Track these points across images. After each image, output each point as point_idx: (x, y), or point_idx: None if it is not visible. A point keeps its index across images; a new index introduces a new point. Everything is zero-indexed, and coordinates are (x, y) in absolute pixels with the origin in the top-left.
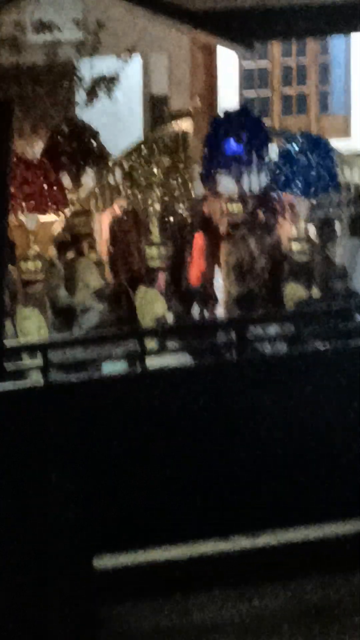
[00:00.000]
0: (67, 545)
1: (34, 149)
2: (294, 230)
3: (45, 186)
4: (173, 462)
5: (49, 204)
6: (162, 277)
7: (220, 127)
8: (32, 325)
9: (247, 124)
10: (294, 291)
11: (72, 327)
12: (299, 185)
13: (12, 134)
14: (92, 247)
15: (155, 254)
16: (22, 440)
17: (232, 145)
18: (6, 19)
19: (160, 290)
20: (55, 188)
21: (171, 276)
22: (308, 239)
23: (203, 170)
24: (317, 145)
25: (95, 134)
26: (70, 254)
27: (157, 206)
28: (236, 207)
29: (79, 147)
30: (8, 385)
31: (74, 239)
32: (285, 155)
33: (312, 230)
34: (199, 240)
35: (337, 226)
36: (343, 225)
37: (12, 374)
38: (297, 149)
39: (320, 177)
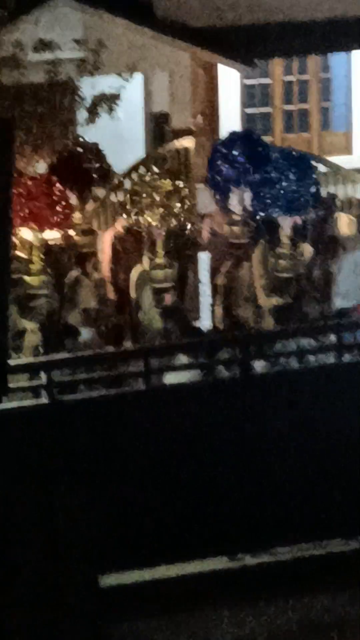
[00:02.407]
0: (73, 563)
1: (36, 168)
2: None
3: (49, 203)
4: (178, 480)
5: (53, 221)
6: (168, 298)
7: (222, 148)
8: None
9: (248, 145)
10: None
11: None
12: (278, 203)
13: (14, 152)
14: (95, 267)
15: (161, 276)
16: (27, 458)
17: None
18: (6, 38)
19: None
20: (59, 206)
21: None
22: (292, 256)
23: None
24: (297, 161)
25: (100, 153)
26: (73, 273)
27: (163, 227)
28: (237, 230)
29: (84, 166)
30: (13, 403)
31: (79, 258)
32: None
33: (309, 249)
34: None
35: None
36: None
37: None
38: (279, 165)
39: (299, 194)
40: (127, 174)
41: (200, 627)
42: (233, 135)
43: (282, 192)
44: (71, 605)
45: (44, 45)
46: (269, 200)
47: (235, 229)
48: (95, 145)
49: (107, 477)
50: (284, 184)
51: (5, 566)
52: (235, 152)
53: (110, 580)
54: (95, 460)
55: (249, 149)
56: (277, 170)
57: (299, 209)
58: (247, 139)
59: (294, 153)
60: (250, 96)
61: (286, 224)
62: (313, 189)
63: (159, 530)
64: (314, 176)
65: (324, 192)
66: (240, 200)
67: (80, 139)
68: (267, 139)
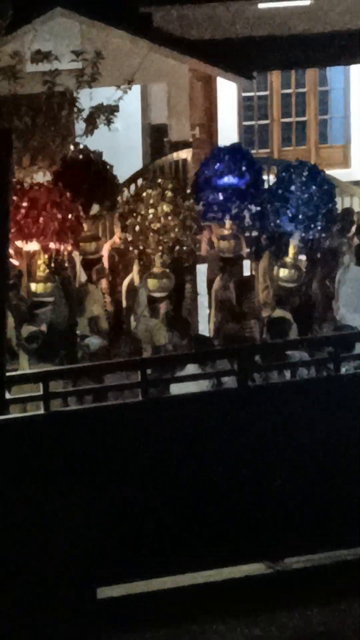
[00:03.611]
0: (71, 575)
1: (34, 180)
2: (284, 257)
3: (60, 215)
4: (176, 490)
5: (64, 233)
6: (162, 308)
7: (213, 164)
8: None
9: (241, 159)
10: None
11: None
12: (297, 217)
13: (12, 164)
14: (100, 275)
15: (157, 285)
16: (24, 469)
17: (224, 180)
18: (4, 49)
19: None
20: (70, 216)
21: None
22: (295, 266)
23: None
24: (316, 176)
25: (106, 164)
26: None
27: (160, 238)
28: (226, 244)
29: (90, 176)
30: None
31: (84, 266)
32: (282, 185)
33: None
34: None
35: (346, 256)
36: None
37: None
38: (296, 179)
39: (318, 209)
40: (125, 186)
41: (200, 638)
42: (219, 151)
43: (298, 207)
44: (69, 618)
45: (41, 56)
46: (283, 215)
47: (224, 243)
48: (100, 154)
49: (104, 489)
50: (301, 198)
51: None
52: (223, 171)
53: (108, 592)
54: (93, 472)
55: (238, 166)
56: (294, 184)
57: (314, 225)
58: (235, 155)
59: (312, 166)
60: (248, 108)
61: (296, 235)
62: (330, 205)
63: (156, 541)
64: (332, 191)
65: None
66: (230, 219)
67: (83, 147)
68: (264, 151)
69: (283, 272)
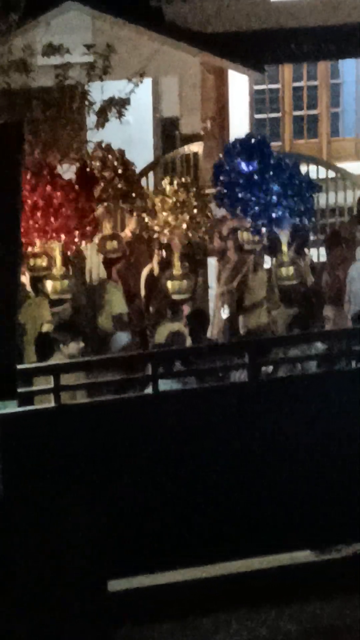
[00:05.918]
0: (82, 568)
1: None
2: (280, 255)
3: (78, 214)
4: (186, 484)
5: (82, 230)
6: (185, 310)
7: (230, 155)
8: None
9: (259, 151)
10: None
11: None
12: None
13: (24, 157)
14: (121, 273)
15: (177, 287)
16: (35, 462)
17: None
18: (16, 43)
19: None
20: (89, 214)
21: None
22: (293, 263)
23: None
24: (282, 168)
25: (127, 161)
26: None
27: (177, 238)
28: (246, 236)
29: (109, 174)
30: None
31: (105, 263)
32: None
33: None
34: None
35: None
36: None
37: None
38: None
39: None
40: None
41: (210, 632)
42: (238, 142)
43: (268, 203)
44: (80, 611)
45: (53, 49)
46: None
47: (246, 234)
48: (122, 151)
49: (116, 482)
50: (269, 196)
51: (11, 570)
52: (240, 162)
53: (119, 585)
54: (103, 465)
55: (256, 157)
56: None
57: (289, 221)
58: (254, 145)
59: (285, 160)
60: (259, 101)
61: (283, 232)
62: (307, 199)
63: (169, 534)
64: (308, 185)
65: (332, 199)
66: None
67: (105, 145)
68: (276, 144)
69: (280, 271)
